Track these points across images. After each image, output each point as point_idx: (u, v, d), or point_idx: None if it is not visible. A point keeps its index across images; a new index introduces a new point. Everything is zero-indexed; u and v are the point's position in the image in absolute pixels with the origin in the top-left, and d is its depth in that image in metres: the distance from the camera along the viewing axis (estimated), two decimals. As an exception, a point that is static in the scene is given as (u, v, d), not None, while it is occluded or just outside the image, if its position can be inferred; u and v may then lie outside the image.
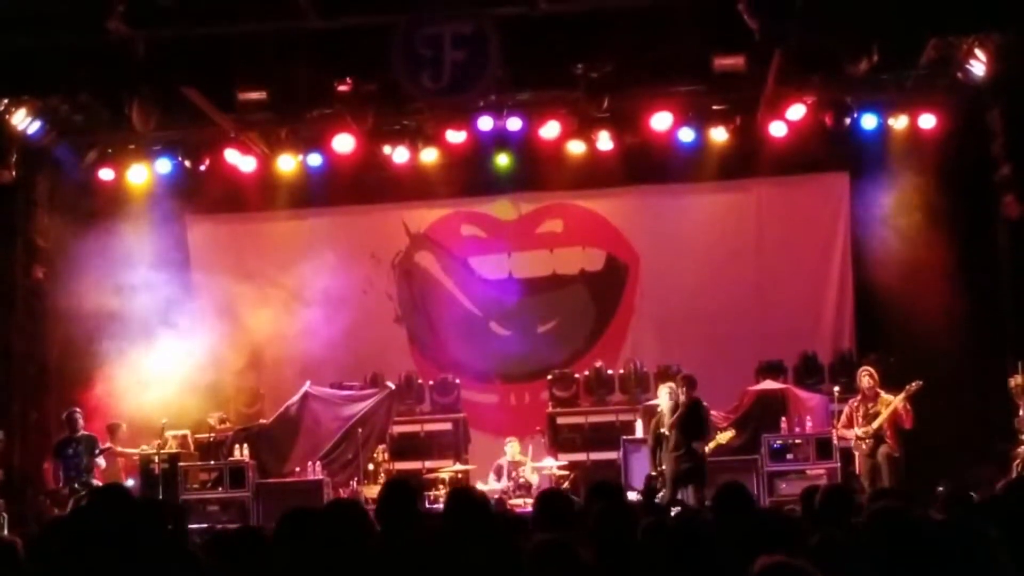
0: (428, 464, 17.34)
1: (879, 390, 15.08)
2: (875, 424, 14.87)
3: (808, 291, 18.74)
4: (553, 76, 15.92)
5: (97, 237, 17.50)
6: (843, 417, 15.34)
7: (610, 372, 18.33)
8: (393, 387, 18.05)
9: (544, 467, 16.55)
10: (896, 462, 14.82)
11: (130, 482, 16.37)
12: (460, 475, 16.71)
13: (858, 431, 14.99)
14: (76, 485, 15.32)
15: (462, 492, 7.31)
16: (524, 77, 15.86)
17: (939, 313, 16.93)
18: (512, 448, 16.87)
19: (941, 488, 12.62)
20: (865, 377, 15.20)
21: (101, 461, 15.72)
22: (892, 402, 14.83)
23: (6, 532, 13.95)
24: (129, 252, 17.67)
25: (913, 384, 14.80)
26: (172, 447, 16.89)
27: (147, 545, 5.61)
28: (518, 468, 16.50)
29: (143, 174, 18.24)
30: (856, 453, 15.19)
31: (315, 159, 18.00)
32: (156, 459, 16.42)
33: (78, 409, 16.09)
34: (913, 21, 13.86)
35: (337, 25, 14.09)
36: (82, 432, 15.82)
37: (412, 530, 6.00)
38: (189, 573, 5.66)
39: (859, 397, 15.24)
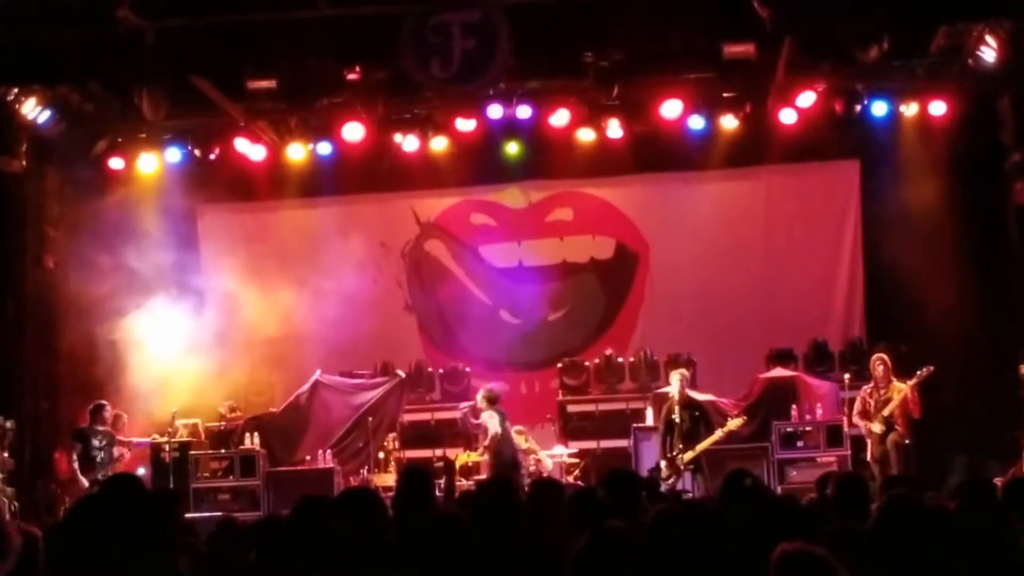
0: (438, 452, 17.32)
1: (892, 377, 15.08)
2: (886, 411, 14.87)
3: (818, 278, 18.71)
4: (563, 64, 15.94)
5: (107, 227, 17.53)
6: (857, 404, 15.33)
7: (620, 360, 18.30)
8: (403, 375, 18.05)
9: (554, 455, 16.54)
10: (904, 449, 14.82)
11: (141, 470, 16.42)
12: (471, 463, 16.71)
13: (870, 422, 14.99)
14: (98, 476, 15.36)
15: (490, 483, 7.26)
16: (534, 65, 15.84)
17: (949, 300, 16.93)
18: (517, 439, 16.87)
19: (954, 476, 12.63)
20: (879, 365, 15.18)
21: (114, 452, 15.79)
22: (903, 389, 14.83)
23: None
24: (139, 242, 17.67)
25: (923, 370, 14.80)
26: (183, 436, 16.96)
27: (156, 535, 5.61)
28: (528, 456, 16.49)
29: (153, 163, 18.22)
30: (868, 440, 15.18)
31: (325, 148, 17.96)
32: (167, 448, 16.48)
33: (106, 402, 16.11)
34: (924, 8, 13.83)
35: (347, 13, 14.07)
36: (101, 426, 15.85)
37: (428, 517, 6.01)
38: (193, 563, 5.66)
39: (872, 384, 15.23)
